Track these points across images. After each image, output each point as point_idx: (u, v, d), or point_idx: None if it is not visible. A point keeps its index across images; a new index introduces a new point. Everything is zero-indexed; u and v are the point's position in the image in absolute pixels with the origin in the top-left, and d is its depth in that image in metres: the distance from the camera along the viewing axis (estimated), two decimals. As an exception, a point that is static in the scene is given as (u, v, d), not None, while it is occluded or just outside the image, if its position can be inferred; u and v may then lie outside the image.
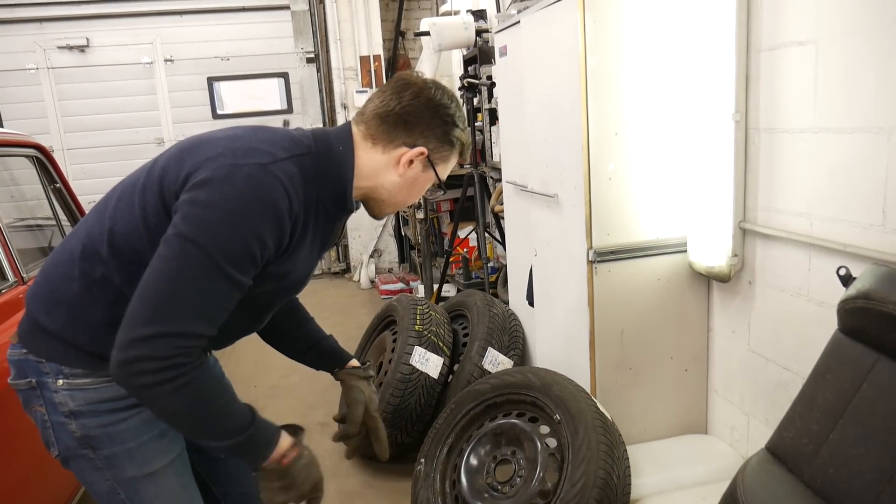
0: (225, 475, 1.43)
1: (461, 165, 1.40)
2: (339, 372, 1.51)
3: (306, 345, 1.51)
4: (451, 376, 2.69)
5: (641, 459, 2.08)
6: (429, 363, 2.60)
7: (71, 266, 1.16)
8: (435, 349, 2.64)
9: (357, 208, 1.31)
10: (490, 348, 2.64)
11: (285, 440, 1.19)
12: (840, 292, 1.39)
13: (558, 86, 2.20)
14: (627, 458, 1.91)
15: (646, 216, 2.11)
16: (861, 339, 1.33)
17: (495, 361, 2.62)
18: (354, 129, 1.25)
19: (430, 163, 1.26)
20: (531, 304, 2.68)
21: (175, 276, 1.03)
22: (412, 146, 1.23)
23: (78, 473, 1.22)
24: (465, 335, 2.84)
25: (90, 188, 5.35)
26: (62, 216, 2.68)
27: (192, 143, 1.18)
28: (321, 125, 5.92)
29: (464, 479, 2.07)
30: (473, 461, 2.10)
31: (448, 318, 2.90)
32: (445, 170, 1.32)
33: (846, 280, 1.45)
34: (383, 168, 1.25)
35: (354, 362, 1.52)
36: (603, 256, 2.08)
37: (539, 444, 1.97)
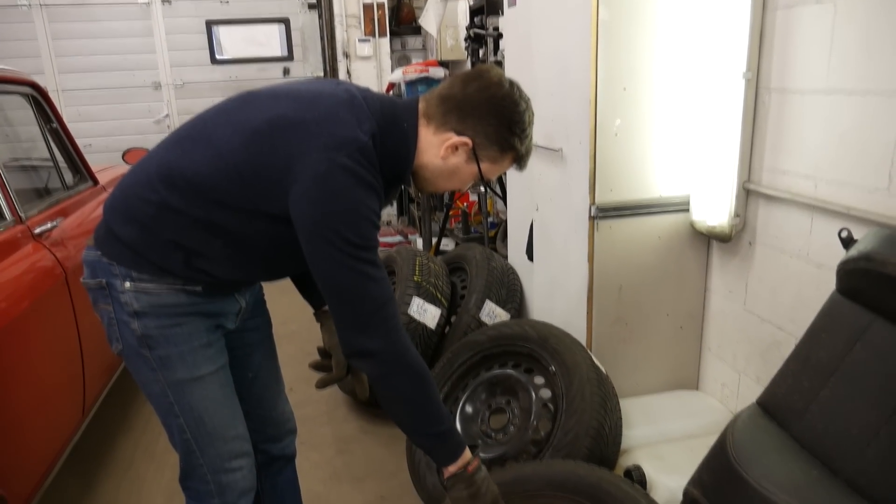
0: (251, 396, 1.52)
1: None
2: (319, 313, 1.60)
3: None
4: (447, 328, 2.73)
5: (633, 412, 2.12)
6: (426, 314, 2.63)
7: (149, 190, 1.25)
8: (433, 300, 2.66)
9: (410, 183, 1.36)
10: (488, 301, 2.67)
11: (468, 451, 1.32)
12: (840, 255, 1.40)
13: (567, 39, 2.16)
14: (619, 411, 1.96)
15: (650, 174, 2.10)
16: (858, 301, 1.35)
17: (492, 314, 2.65)
18: (420, 106, 1.29)
19: (474, 156, 1.27)
20: (530, 258, 2.69)
21: (345, 266, 1.16)
22: (460, 134, 1.25)
23: (135, 372, 1.33)
24: (464, 288, 2.86)
25: (86, 131, 5.29)
26: (59, 156, 2.65)
27: (277, 119, 1.20)
28: (322, 74, 5.82)
29: (458, 427, 2.11)
30: (468, 409, 2.15)
31: (447, 270, 2.91)
32: (493, 170, 1.32)
33: (847, 242, 1.46)
34: (430, 148, 1.29)
35: None
36: (605, 213, 2.09)
37: (533, 395, 2.01)
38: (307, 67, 5.78)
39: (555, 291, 2.47)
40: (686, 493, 1.49)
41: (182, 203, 1.23)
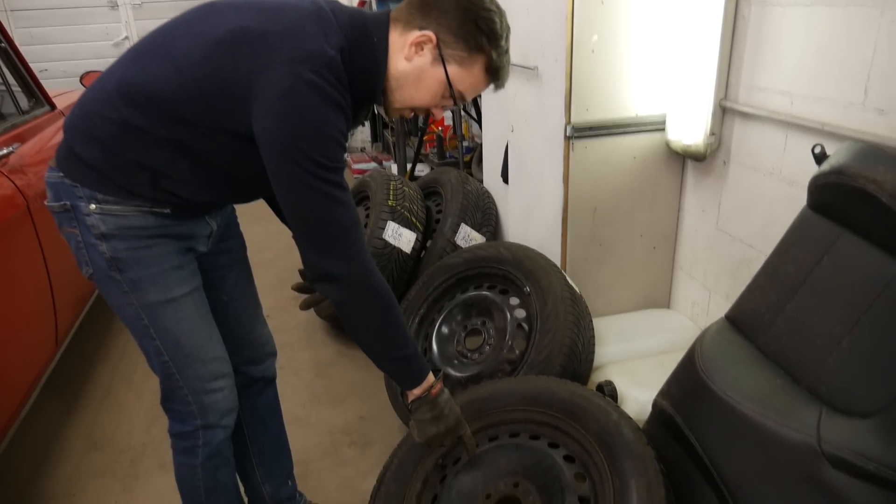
0: (227, 318, 1.51)
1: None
2: None
3: None
4: (423, 252, 2.73)
5: (606, 330, 2.17)
6: (402, 238, 2.62)
7: (108, 107, 1.18)
8: (408, 224, 2.65)
9: (381, 102, 1.29)
10: (463, 224, 2.66)
11: (431, 375, 1.33)
12: (812, 171, 1.40)
13: (544, -53, 2.06)
14: (592, 329, 2.00)
15: (626, 92, 2.06)
16: (828, 215, 1.36)
17: (468, 237, 2.64)
18: (392, 15, 1.23)
19: (440, 56, 1.20)
20: (505, 181, 2.67)
21: (309, 186, 1.13)
22: (423, 30, 1.19)
23: (107, 295, 1.31)
24: (439, 212, 2.84)
25: (40, 55, 5.03)
26: (11, 80, 2.52)
27: (240, 31, 1.14)
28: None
29: (435, 347, 2.15)
30: (444, 330, 2.18)
31: (421, 194, 2.88)
32: (463, 77, 1.22)
33: (820, 158, 1.46)
34: (396, 52, 1.22)
35: None
36: (581, 132, 2.05)
37: (508, 315, 2.04)
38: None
39: (530, 214, 2.46)
40: (655, 405, 1.55)
41: (143, 121, 1.17)
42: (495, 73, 1.24)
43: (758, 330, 1.42)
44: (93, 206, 1.22)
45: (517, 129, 2.51)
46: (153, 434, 2.28)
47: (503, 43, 1.22)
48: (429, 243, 2.73)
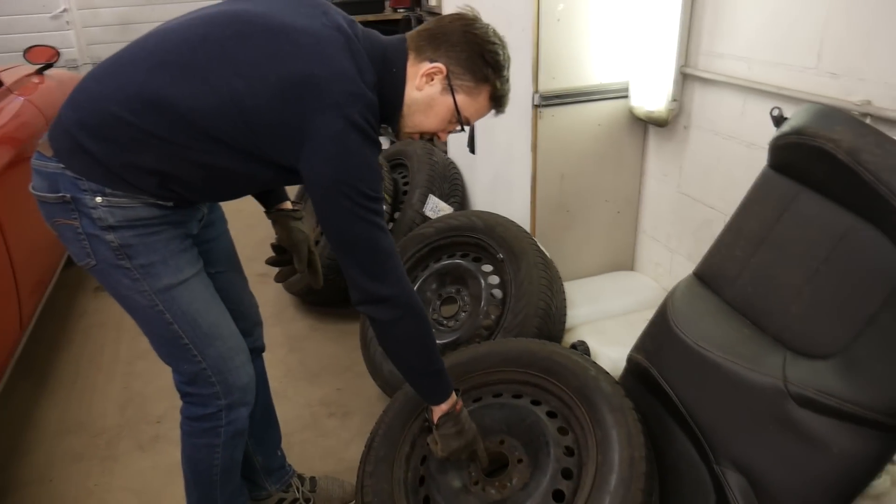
0: (218, 291, 1.47)
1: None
2: (273, 213, 1.59)
3: None
4: (392, 224, 2.74)
5: (575, 294, 2.25)
6: (371, 211, 2.62)
7: (129, 112, 1.17)
8: (377, 197, 2.65)
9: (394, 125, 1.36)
10: (431, 195, 2.68)
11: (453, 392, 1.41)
12: (769, 133, 1.48)
13: (507, -84, 2.07)
14: (564, 293, 2.07)
15: (592, 60, 2.11)
16: (787, 174, 1.44)
17: (436, 208, 2.67)
18: (407, 45, 1.30)
19: (449, 86, 1.27)
20: (472, 151, 2.70)
21: (361, 219, 1.20)
22: (433, 62, 1.27)
23: (115, 288, 1.29)
24: (405, 184, 2.86)
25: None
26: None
27: (287, 74, 1.16)
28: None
29: (411, 317, 2.18)
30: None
31: (388, 166, 2.89)
32: (470, 105, 1.31)
33: (778, 120, 1.54)
34: (409, 80, 1.29)
35: (288, 204, 1.61)
36: (548, 101, 2.10)
37: (483, 282, 2.09)
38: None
39: (498, 182, 2.51)
40: (630, 360, 1.63)
41: (169, 133, 1.18)
42: (499, 101, 1.33)
43: (724, 284, 1.51)
44: (99, 199, 1.21)
45: (483, 99, 2.53)
46: (128, 416, 2.25)
47: (506, 73, 1.31)
48: (397, 215, 2.74)
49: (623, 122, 2.23)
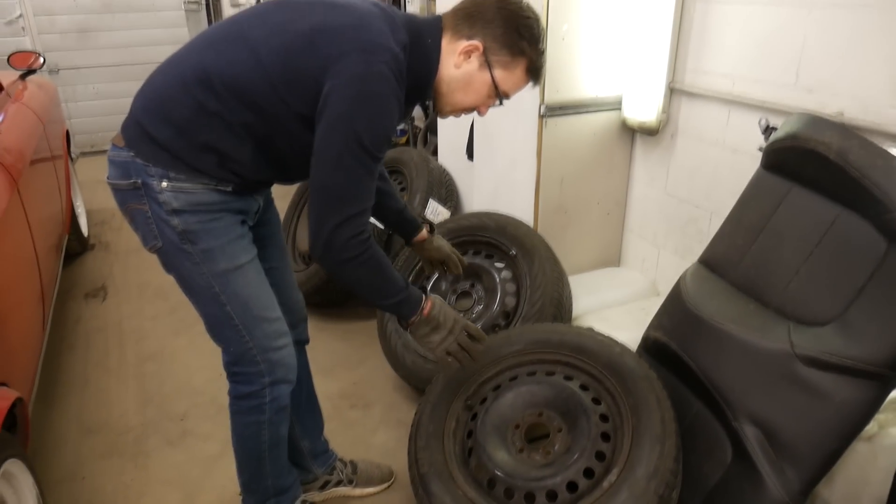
0: (269, 283, 1.55)
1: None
2: (415, 245, 1.82)
3: (394, 211, 1.74)
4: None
5: (575, 287, 2.45)
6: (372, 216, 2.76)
7: (184, 92, 1.27)
8: (381, 202, 2.79)
9: (430, 100, 1.42)
10: (431, 199, 2.85)
11: (422, 297, 1.45)
12: (753, 140, 1.72)
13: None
14: (570, 285, 2.27)
15: (590, 76, 2.34)
16: (779, 173, 1.69)
17: (436, 211, 2.84)
18: (443, 22, 1.35)
19: (486, 62, 1.32)
20: (470, 158, 2.89)
21: (346, 166, 1.23)
22: (470, 39, 1.31)
23: (176, 267, 1.39)
24: (402, 189, 3.01)
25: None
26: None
27: (318, 24, 1.26)
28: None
29: (428, 311, 2.33)
30: (435, 295, 2.37)
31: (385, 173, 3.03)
32: (507, 79, 1.35)
33: (766, 129, 1.81)
34: (446, 58, 1.34)
35: (424, 234, 1.81)
36: (552, 111, 2.31)
37: (496, 276, 2.27)
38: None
39: (499, 186, 2.70)
40: (647, 338, 1.84)
41: (218, 106, 1.28)
42: (535, 73, 1.39)
43: (728, 268, 1.74)
44: (164, 184, 1.31)
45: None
46: (150, 415, 2.29)
47: (541, 45, 1.37)
48: (397, 219, 2.88)
49: (614, 131, 2.47)
